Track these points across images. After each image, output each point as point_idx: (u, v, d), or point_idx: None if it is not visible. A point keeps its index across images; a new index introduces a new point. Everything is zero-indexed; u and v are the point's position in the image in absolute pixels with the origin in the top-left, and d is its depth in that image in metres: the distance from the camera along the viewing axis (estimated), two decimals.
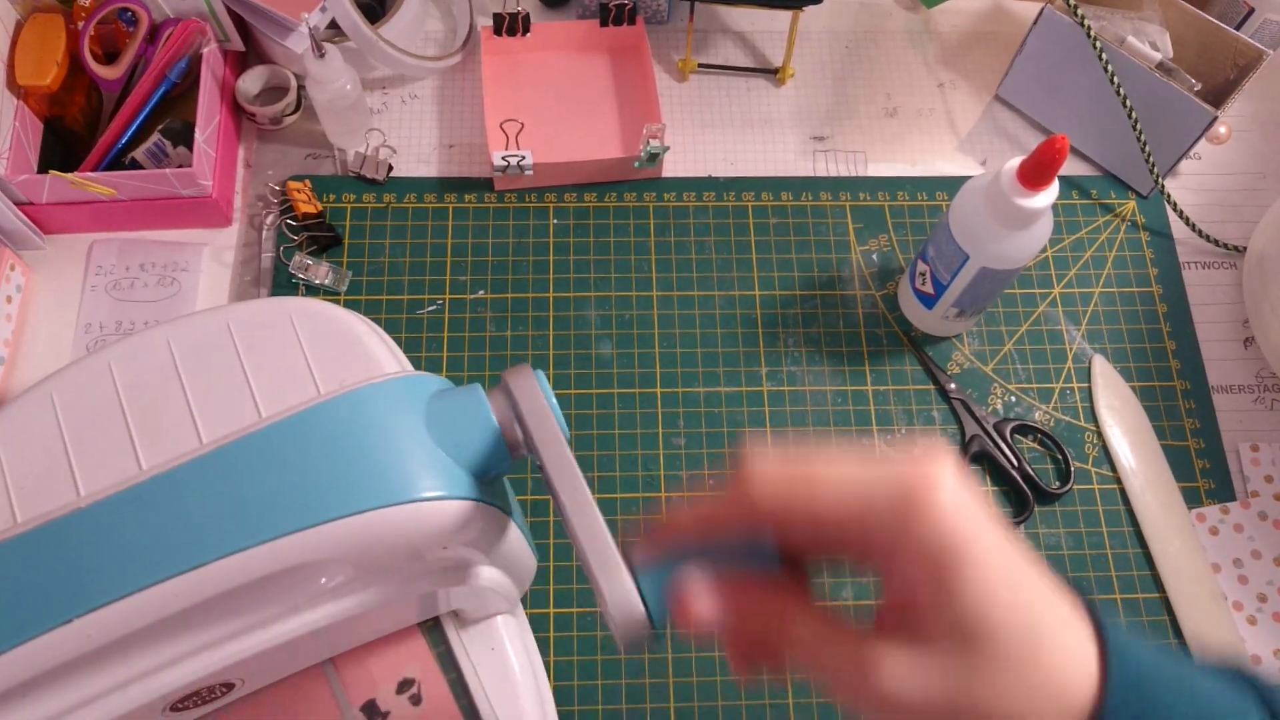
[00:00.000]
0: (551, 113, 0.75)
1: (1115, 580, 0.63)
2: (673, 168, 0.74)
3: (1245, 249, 0.73)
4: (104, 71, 0.67)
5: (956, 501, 0.27)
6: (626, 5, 0.75)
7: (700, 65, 0.78)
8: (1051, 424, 0.67)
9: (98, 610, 0.32)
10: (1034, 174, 0.54)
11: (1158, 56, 0.69)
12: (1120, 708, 0.27)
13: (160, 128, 0.68)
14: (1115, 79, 0.68)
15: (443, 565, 0.40)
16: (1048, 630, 0.28)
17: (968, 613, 0.27)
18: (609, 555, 0.31)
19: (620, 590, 0.31)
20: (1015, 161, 0.56)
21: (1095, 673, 0.28)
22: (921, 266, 0.65)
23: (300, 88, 0.72)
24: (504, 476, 0.38)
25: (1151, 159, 0.71)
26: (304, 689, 0.45)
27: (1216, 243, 0.73)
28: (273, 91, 0.73)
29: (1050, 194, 0.55)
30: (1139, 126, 0.69)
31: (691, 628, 0.30)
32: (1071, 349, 0.69)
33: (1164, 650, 0.29)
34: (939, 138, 0.77)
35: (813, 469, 0.29)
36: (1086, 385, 0.68)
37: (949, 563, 0.27)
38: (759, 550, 0.31)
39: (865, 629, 0.29)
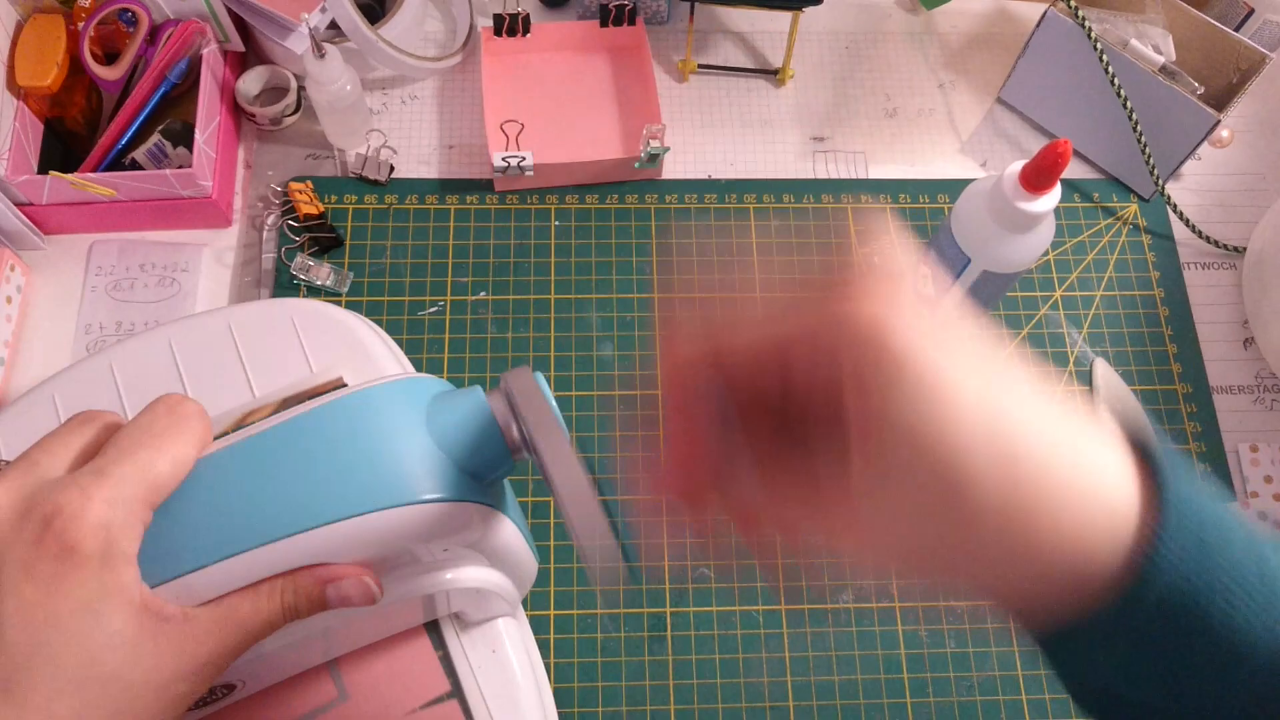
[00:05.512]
0: (552, 113, 0.75)
1: None
2: (673, 169, 0.74)
3: (1245, 250, 0.73)
4: (104, 72, 0.67)
5: (882, 317, 0.24)
6: (626, 6, 0.75)
7: (700, 66, 0.78)
8: None
9: None
10: (1036, 178, 0.54)
11: (1160, 60, 0.69)
12: (1172, 565, 0.22)
13: (160, 128, 0.68)
14: (1117, 82, 0.68)
15: (443, 567, 0.40)
16: (1040, 456, 0.23)
17: (902, 431, 0.23)
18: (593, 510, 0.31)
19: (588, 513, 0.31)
20: (1017, 165, 0.56)
21: (1135, 513, 0.23)
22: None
23: (300, 88, 0.72)
24: (505, 478, 0.38)
25: (1153, 162, 0.71)
26: (307, 690, 0.45)
27: (1216, 243, 0.73)
28: (273, 92, 0.73)
29: (1053, 198, 0.55)
30: (1140, 129, 0.69)
31: (663, 493, 0.28)
32: (1073, 352, 0.69)
33: (1228, 506, 0.24)
34: (940, 139, 0.77)
35: (735, 320, 0.28)
36: (1088, 388, 0.68)
37: (876, 377, 0.24)
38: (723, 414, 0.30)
39: (833, 474, 0.26)
